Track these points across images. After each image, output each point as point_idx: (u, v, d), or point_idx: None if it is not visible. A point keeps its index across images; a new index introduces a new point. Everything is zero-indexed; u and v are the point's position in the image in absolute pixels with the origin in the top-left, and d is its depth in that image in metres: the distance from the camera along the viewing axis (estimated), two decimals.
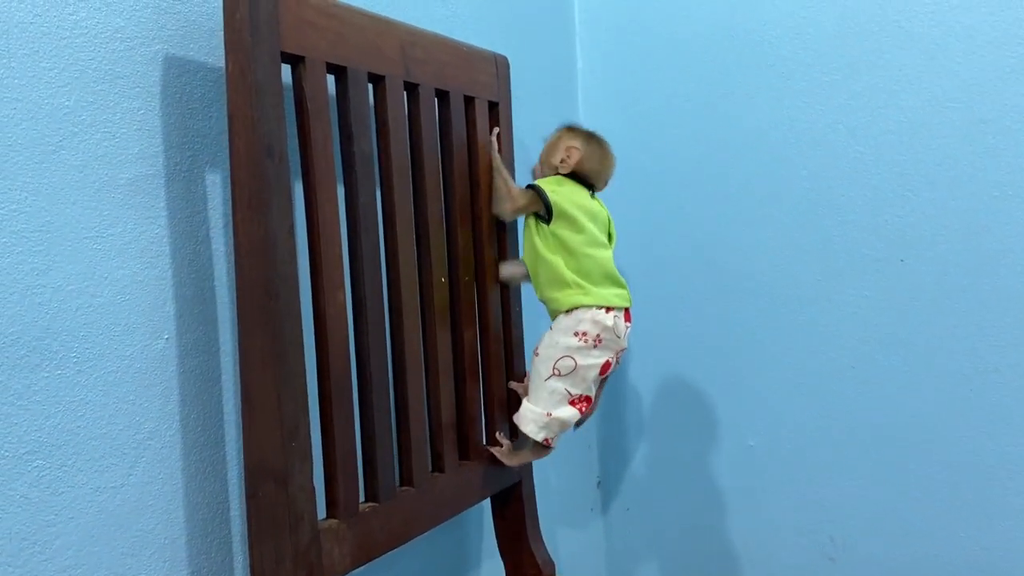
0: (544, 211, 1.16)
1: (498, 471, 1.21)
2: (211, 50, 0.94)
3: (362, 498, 0.99)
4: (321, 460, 0.92)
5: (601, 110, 1.72)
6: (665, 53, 1.65)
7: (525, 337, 1.28)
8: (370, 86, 1.04)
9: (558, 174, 1.22)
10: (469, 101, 1.22)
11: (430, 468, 1.09)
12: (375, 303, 1.00)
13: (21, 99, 0.75)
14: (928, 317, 1.45)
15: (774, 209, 1.57)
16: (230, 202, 0.87)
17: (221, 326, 0.93)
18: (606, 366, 1.17)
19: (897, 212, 1.47)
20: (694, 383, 1.68)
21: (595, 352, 1.15)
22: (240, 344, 0.84)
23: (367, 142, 1.02)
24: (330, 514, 0.94)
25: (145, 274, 0.85)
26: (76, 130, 0.80)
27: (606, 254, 1.20)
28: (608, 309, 1.16)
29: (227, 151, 0.88)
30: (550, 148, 1.25)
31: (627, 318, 1.20)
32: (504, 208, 1.20)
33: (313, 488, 0.88)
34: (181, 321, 0.88)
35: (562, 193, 1.17)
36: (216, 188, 0.94)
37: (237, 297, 0.85)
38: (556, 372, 1.14)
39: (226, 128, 0.88)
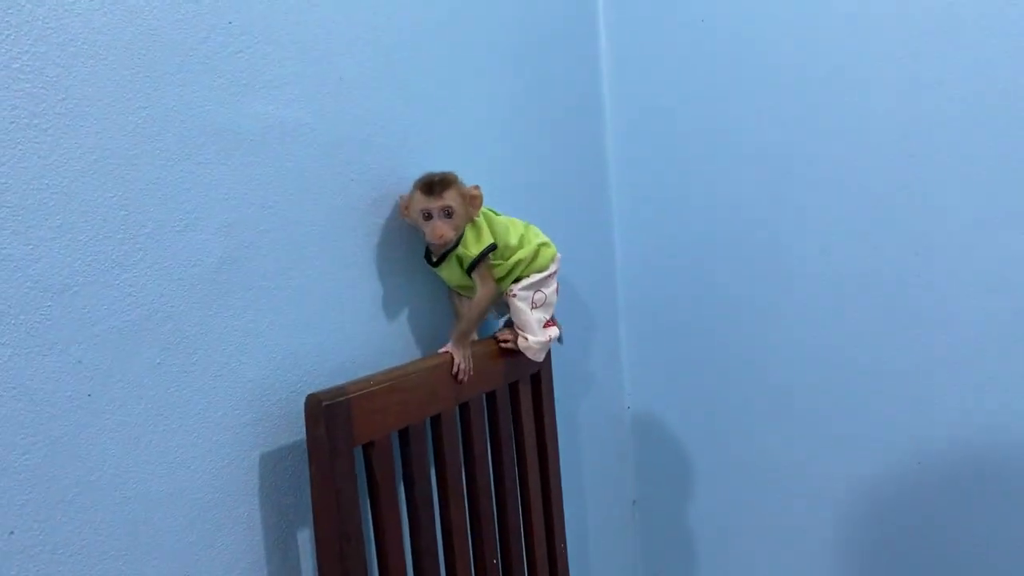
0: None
1: None
2: (298, 429, 1.11)
3: None
4: None
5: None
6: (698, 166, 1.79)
7: None
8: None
9: (473, 222, 1.26)
10: (513, 387, 1.39)
11: None
12: None
13: (149, 554, 0.96)
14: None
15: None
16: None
17: None
18: (555, 289, 1.38)
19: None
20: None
21: (549, 280, 1.36)
22: None
23: (427, 484, 1.20)
24: None
25: None
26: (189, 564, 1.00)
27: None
28: None
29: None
30: (465, 200, 1.23)
31: None
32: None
33: None
34: None
35: (488, 231, 1.27)
36: (306, 548, 1.13)
37: None
38: (534, 305, 1.33)
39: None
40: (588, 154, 1.83)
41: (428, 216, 1.21)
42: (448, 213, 1.21)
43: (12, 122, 0.81)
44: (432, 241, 1.22)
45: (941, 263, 1.54)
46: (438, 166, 1.25)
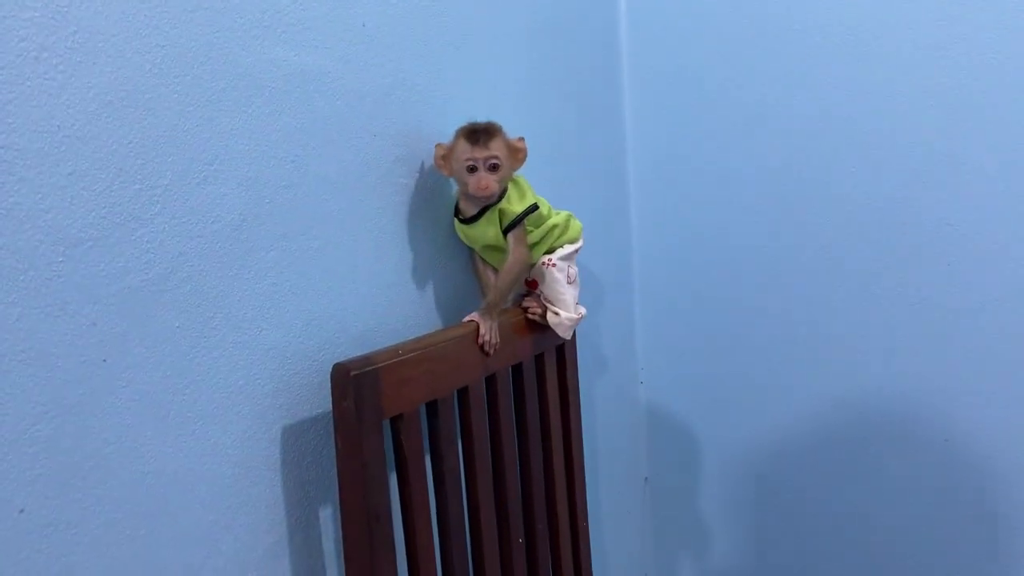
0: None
1: None
2: (321, 401, 1.05)
3: None
4: None
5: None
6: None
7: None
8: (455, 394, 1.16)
9: (515, 180, 1.20)
10: (539, 360, 1.33)
11: None
12: None
13: (167, 534, 0.88)
14: None
15: None
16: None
17: None
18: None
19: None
20: None
21: (575, 257, 1.29)
22: None
23: (455, 460, 1.14)
24: None
25: None
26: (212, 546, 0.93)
27: None
28: None
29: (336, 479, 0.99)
30: (511, 152, 1.16)
31: None
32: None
33: None
34: None
35: (531, 192, 1.21)
36: (328, 526, 1.07)
37: None
38: (569, 279, 1.27)
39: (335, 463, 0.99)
40: (607, 133, 1.76)
41: (472, 168, 1.13)
42: (494, 166, 1.13)
43: (19, 55, 0.73)
44: (475, 194, 1.14)
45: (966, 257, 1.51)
46: (459, 123, 1.17)
